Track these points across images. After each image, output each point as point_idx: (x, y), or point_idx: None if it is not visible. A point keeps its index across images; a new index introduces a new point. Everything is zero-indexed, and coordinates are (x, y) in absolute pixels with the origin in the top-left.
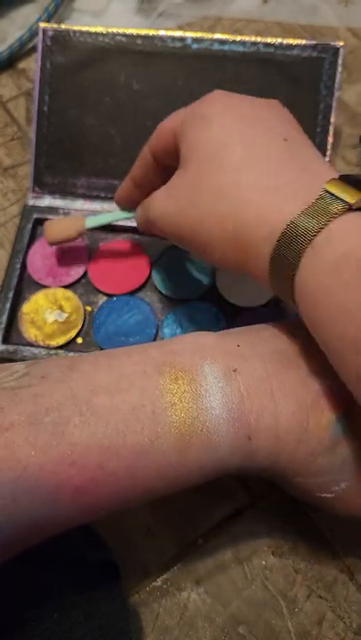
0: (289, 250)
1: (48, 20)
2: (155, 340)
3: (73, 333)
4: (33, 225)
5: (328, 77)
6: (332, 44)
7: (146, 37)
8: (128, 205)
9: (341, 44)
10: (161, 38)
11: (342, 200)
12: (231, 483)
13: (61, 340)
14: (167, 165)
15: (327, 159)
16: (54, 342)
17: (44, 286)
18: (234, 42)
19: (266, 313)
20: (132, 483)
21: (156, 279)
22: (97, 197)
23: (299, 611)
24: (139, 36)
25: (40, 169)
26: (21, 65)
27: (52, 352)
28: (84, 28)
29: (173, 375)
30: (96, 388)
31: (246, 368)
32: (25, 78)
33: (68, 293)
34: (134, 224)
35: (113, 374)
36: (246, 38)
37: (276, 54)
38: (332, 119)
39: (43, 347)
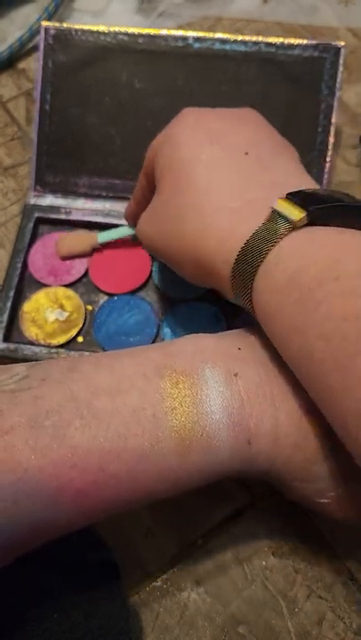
0: (244, 270)
1: (48, 20)
2: (155, 339)
3: (74, 332)
4: (34, 224)
5: (329, 77)
6: (333, 43)
7: (148, 36)
8: (133, 222)
9: (343, 44)
10: (163, 37)
11: (288, 219)
12: (231, 484)
13: (62, 339)
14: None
15: (328, 159)
16: (55, 341)
17: (45, 285)
18: (235, 41)
19: None
20: (133, 486)
21: (157, 279)
22: (98, 196)
23: (299, 611)
24: (140, 35)
25: (41, 168)
26: (21, 65)
27: (53, 351)
28: (86, 27)
29: (174, 379)
30: (97, 389)
31: (247, 372)
32: (25, 78)
33: (69, 292)
34: None
35: (114, 376)
36: (248, 38)
37: (278, 54)
38: (333, 119)
39: (43, 345)
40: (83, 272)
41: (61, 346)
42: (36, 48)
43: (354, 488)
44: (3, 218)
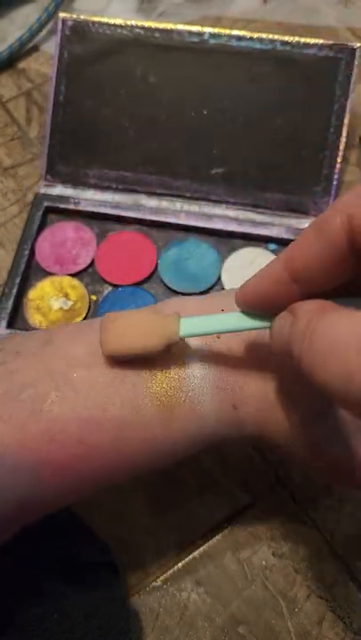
0: None
1: (48, 20)
2: None
3: (77, 321)
4: (43, 213)
5: (344, 78)
6: (349, 44)
7: (164, 31)
8: (259, 308)
9: (359, 45)
10: (179, 32)
11: None
12: (231, 483)
13: None
14: None
15: (339, 160)
16: None
17: (51, 274)
18: (251, 39)
19: None
20: (116, 457)
21: (163, 272)
22: (108, 188)
23: (299, 611)
24: (157, 30)
25: (54, 158)
26: (21, 65)
27: None
28: (104, 19)
29: None
30: (72, 360)
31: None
32: (25, 78)
33: (75, 282)
34: (145, 216)
35: (91, 346)
36: (264, 36)
37: (293, 53)
38: (345, 120)
39: None
40: (89, 262)
41: None
42: (36, 48)
43: None
44: (2, 218)
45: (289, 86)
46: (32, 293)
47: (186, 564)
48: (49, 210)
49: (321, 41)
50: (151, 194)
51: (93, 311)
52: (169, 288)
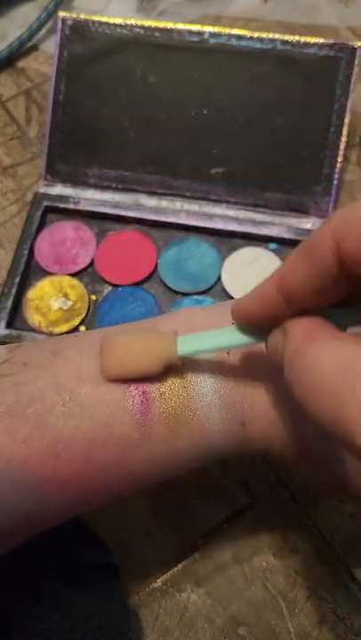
0: None
1: (48, 19)
2: None
3: (76, 321)
4: (42, 212)
5: (344, 77)
6: (349, 43)
7: (164, 30)
8: (254, 326)
9: (359, 44)
10: (178, 32)
11: None
12: (231, 483)
13: (65, 328)
14: None
15: (340, 159)
16: (58, 329)
17: (51, 273)
18: (251, 38)
19: None
20: (121, 474)
21: (163, 271)
22: (108, 187)
23: (299, 612)
24: (157, 29)
25: (53, 157)
26: (21, 64)
27: None
28: (103, 19)
29: None
30: (81, 375)
31: (240, 350)
32: (24, 77)
33: (74, 281)
34: (145, 216)
35: (98, 361)
36: (264, 35)
37: (294, 52)
38: (346, 120)
39: (46, 333)
40: (88, 262)
41: (63, 334)
42: (35, 47)
43: None
44: (2, 218)
45: (289, 86)
46: (31, 293)
47: (186, 564)
48: (48, 209)
49: (321, 40)
50: (151, 193)
51: (93, 311)
52: (169, 288)
